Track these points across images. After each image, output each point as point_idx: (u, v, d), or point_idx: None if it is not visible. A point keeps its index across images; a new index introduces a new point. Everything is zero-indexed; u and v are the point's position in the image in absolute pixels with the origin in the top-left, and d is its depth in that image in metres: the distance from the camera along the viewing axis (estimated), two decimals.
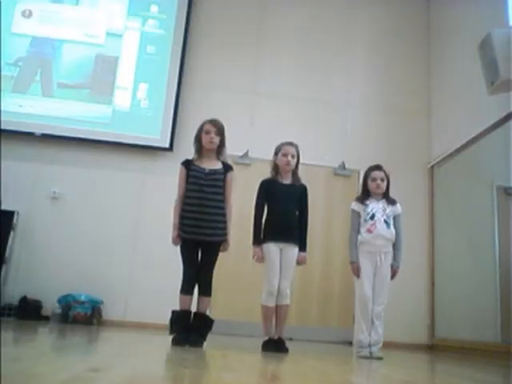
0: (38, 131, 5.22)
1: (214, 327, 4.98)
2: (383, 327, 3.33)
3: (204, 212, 3.08)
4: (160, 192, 4.97)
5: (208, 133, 3.19)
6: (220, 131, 3.22)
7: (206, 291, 3.13)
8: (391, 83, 5.91)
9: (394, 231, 3.42)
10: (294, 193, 3.32)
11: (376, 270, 3.38)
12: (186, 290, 3.08)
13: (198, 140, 3.23)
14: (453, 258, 5.06)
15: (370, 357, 3.19)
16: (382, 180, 3.48)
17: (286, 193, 3.30)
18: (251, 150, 5.42)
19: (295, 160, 3.33)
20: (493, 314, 4.31)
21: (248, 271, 5.21)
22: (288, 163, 3.29)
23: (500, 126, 4.37)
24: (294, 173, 3.36)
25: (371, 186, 3.49)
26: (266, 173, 5.64)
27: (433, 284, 5.30)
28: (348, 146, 5.61)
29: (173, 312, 3.09)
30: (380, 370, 2.63)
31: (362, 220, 3.42)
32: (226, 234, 3.16)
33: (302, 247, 3.30)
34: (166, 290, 4.43)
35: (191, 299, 3.09)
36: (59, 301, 4.74)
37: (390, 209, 3.44)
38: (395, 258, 3.44)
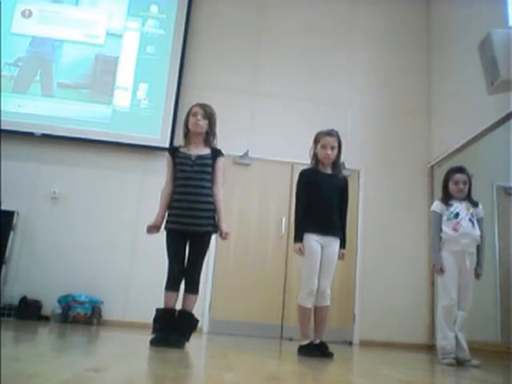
0: (38, 131, 5.22)
1: (214, 327, 5.02)
2: (462, 344, 3.15)
3: (190, 200, 2.92)
4: (160, 192, 4.98)
5: (195, 115, 3.01)
6: (208, 115, 3.03)
7: (192, 288, 2.93)
8: (391, 83, 5.91)
9: (478, 231, 3.24)
10: (335, 184, 3.11)
11: (460, 272, 3.20)
12: (171, 286, 2.90)
13: (186, 124, 3.08)
14: None
15: (457, 364, 3.06)
16: (465, 183, 3.32)
17: (328, 183, 3.09)
18: (251, 150, 5.43)
19: (336, 151, 3.11)
20: (493, 314, 4.31)
21: (248, 271, 5.22)
22: (327, 157, 3.09)
23: (500, 125, 4.37)
24: (335, 163, 3.14)
25: (452, 189, 3.33)
26: (266, 173, 5.65)
27: (433, 284, 5.29)
28: (348, 146, 5.59)
29: (157, 310, 2.92)
30: (380, 370, 2.63)
31: (444, 219, 3.28)
32: (215, 226, 2.99)
33: (342, 244, 3.11)
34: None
35: (177, 296, 2.92)
36: (59, 301, 4.74)
37: (473, 209, 3.28)
38: (478, 261, 3.24)
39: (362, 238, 5.38)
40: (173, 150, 3.12)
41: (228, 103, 5.51)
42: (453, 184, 3.34)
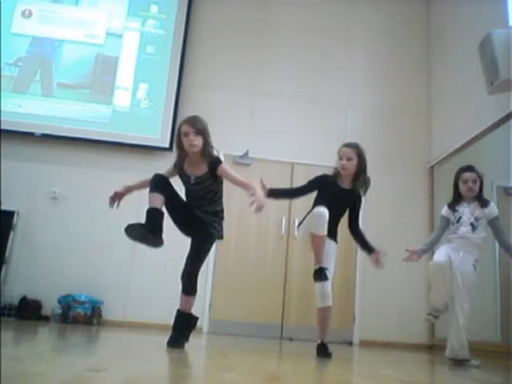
0: (38, 131, 5.22)
1: (214, 327, 5.02)
2: (462, 333, 3.05)
3: (195, 206, 2.95)
4: None
5: (186, 135, 2.84)
6: (199, 130, 2.84)
7: (189, 291, 2.90)
8: (391, 83, 5.91)
9: (481, 236, 3.19)
10: (345, 200, 3.10)
11: (457, 261, 3.12)
12: (157, 188, 2.80)
13: (179, 145, 2.91)
14: None
15: (457, 364, 3.02)
16: (475, 182, 3.24)
17: (340, 198, 3.08)
18: (251, 150, 5.42)
19: (354, 162, 3.05)
20: (493, 314, 4.31)
21: (248, 271, 5.22)
22: (342, 167, 3.04)
23: (500, 125, 4.37)
24: (356, 177, 3.08)
25: (462, 189, 3.27)
26: (266, 173, 5.65)
27: None
28: None
29: (147, 210, 2.88)
30: (380, 369, 2.63)
31: (450, 223, 3.29)
32: (219, 232, 2.99)
33: (371, 249, 3.13)
34: (165, 290, 4.44)
35: (163, 200, 2.82)
36: (59, 301, 4.74)
37: (479, 212, 3.20)
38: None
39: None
40: (178, 167, 2.99)
41: (228, 103, 5.52)
42: (462, 183, 3.28)
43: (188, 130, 2.84)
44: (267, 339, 4.74)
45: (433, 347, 5.10)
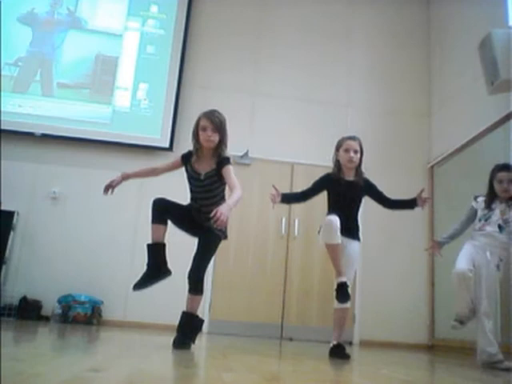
0: (38, 131, 5.22)
1: (214, 327, 5.02)
2: (489, 336, 3.04)
3: (201, 204, 2.89)
4: (160, 192, 4.96)
5: (204, 130, 2.81)
6: (218, 127, 2.81)
7: (196, 290, 2.84)
8: (391, 83, 5.91)
9: (505, 239, 3.10)
10: (355, 190, 3.09)
11: (481, 263, 3.07)
12: (157, 219, 2.80)
13: (196, 137, 2.87)
14: (453, 258, 5.05)
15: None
16: (510, 182, 3.14)
17: (348, 191, 3.07)
18: (251, 150, 5.42)
19: (358, 155, 3.08)
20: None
21: (248, 271, 5.22)
22: (350, 160, 3.04)
23: (500, 125, 4.37)
24: (357, 169, 3.11)
25: (497, 189, 3.17)
26: (266, 173, 5.65)
27: (433, 284, 5.29)
28: None
29: (148, 245, 2.91)
30: (380, 369, 2.63)
31: (478, 217, 3.20)
32: (224, 232, 2.95)
33: (412, 200, 3.32)
34: (165, 290, 4.43)
35: (165, 229, 2.84)
36: (59, 301, 4.74)
37: (511, 215, 3.10)
38: None
39: (362, 238, 5.36)
40: (186, 159, 2.95)
41: (228, 103, 5.50)
42: (497, 183, 3.18)
43: (207, 126, 2.81)
44: (267, 339, 4.74)
45: (433, 347, 5.10)
